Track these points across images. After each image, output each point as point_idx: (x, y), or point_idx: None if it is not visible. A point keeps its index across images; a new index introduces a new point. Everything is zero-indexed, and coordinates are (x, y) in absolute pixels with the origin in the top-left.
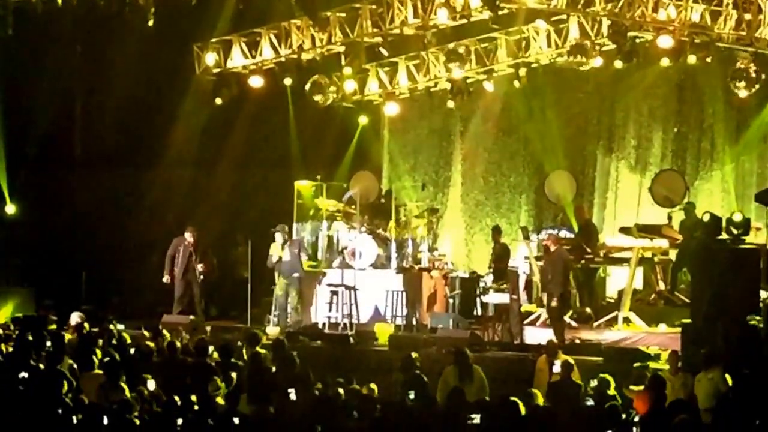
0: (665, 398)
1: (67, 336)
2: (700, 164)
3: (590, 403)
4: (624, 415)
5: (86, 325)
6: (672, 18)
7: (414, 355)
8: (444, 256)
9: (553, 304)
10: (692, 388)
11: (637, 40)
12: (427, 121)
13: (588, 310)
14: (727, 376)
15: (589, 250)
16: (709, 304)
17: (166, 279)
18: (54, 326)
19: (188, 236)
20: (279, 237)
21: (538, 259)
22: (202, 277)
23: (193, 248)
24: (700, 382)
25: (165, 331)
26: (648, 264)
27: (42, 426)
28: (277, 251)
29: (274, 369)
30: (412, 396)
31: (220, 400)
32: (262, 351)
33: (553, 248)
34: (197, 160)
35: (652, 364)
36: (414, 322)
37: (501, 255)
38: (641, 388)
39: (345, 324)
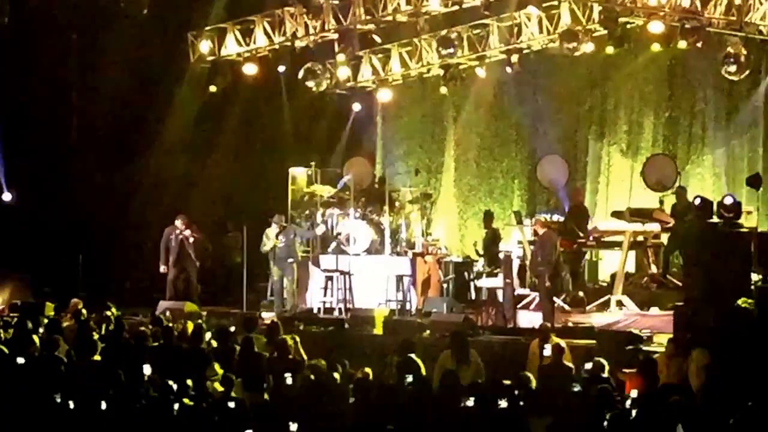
0: (657, 380)
1: (66, 322)
2: (691, 148)
3: (579, 388)
4: (617, 398)
5: (84, 311)
6: (662, 3)
7: (412, 340)
8: (438, 240)
9: (547, 284)
10: (686, 371)
11: (628, 26)
12: (420, 107)
13: (581, 293)
14: (702, 353)
15: (581, 234)
16: (700, 287)
17: (162, 269)
18: (52, 313)
19: (179, 224)
20: (274, 225)
21: (531, 243)
22: (198, 264)
23: (185, 234)
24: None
25: (162, 317)
26: (640, 248)
27: (39, 412)
28: (272, 239)
29: (267, 354)
30: (410, 379)
31: (217, 386)
32: (260, 336)
33: (541, 231)
34: (192, 148)
35: (644, 347)
36: (408, 307)
37: (492, 240)
38: (634, 370)
39: (340, 309)
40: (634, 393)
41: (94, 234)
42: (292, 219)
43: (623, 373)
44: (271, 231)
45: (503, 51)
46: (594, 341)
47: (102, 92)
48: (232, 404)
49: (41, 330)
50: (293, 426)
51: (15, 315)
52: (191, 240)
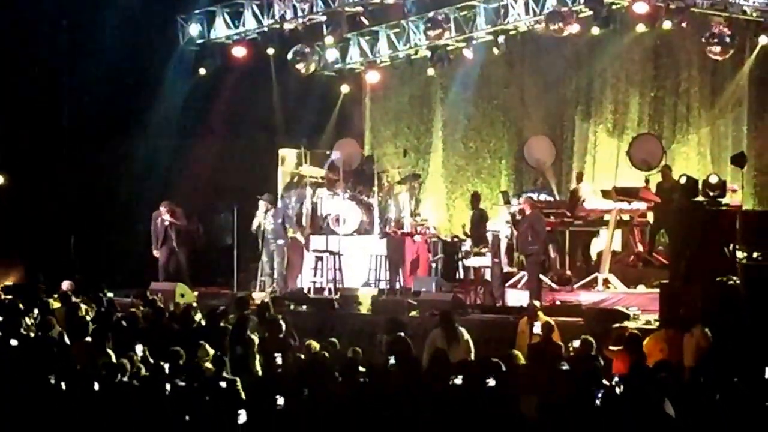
0: (644, 357)
1: (57, 304)
2: (677, 128)
3: (568, 365)
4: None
5: (71, 294)
6: None
7: (399, 319)
8: (426, 221)
9: (536, 261)
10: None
11: (614, 7)
12: (407, 89)
13: (568, 272)
14: (708, 331)
15: (568, 214)
16: (686, 265)
17: (156, 253)
18: (43, 295)
19: (162, 210)
20: (262, 205)
21: (516, 223)
22: (176, 248)
23: (170, 223)
24: (686, 341)
25: (155, 297)
26: (626, 226)
27: (32, 393)
28: (260, 219)
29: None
30: (395, 360)
31: (209, 366)
32: (252, 317)
33: (528, 211)
34: (182, 130)
35: (630, 325)
36: (397, 287)
37: (479, 220)
38: (620, 348)
39: (330, 289)
40: (621, 370)
41: (85, 217)
42: (281, 198)
43: (610, 350)
44: (260, 210)
45: (490, 32)
46: (581, 319)
47: (92, 76)
48: (223, 384)
49: (35, 311)
50: (280, 399)
51: (7, 297)
52: (173, 227)
